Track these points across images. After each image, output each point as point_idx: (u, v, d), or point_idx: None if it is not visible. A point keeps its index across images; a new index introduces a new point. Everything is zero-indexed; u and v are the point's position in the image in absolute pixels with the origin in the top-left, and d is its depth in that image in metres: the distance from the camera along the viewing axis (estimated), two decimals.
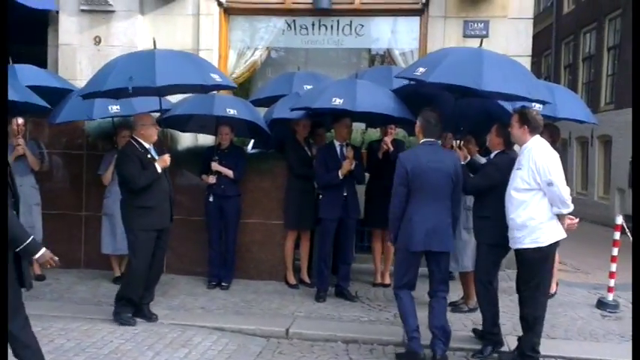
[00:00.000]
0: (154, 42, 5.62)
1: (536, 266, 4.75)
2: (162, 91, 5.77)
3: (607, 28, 15.69)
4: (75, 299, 6.42)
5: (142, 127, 5.59)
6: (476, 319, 5.96)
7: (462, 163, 5.27)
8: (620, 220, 6.62)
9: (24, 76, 6.66)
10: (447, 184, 4.87)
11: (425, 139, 5.01)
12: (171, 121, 6.81)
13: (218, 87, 6.02)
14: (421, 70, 5.04)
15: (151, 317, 5.68)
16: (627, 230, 6.70)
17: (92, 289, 6.78)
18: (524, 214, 4.68)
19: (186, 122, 7.14)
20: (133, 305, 5.64)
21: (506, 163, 4.93)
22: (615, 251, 6.59)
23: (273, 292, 6.82)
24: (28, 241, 3.60)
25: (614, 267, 6.64)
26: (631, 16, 13.95)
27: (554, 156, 4.78)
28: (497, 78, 4.91)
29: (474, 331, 5.52)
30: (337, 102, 5.80)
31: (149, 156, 5.57)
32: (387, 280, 7.15)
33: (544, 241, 4.69)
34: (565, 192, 4.65)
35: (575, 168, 16.94)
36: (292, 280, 7.06)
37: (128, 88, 5.23)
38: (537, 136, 4.81)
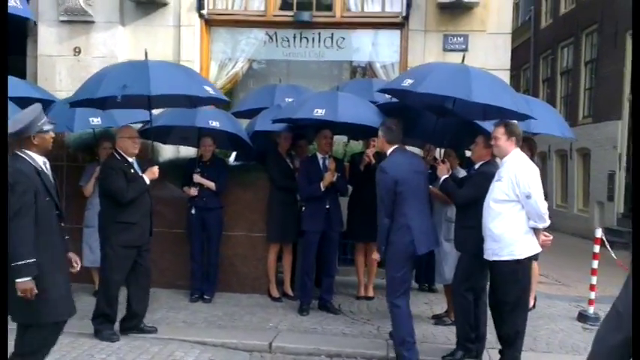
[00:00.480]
0: (146, 53, 5.60)
1: (511, 279, 4.75)
2: (153, 103, 5.73)
3: (584, 43, 15.95)
4: None
5: (120, 139, 5.54)
6: (441, 333, 5.98)
7: (446, 175, 5.29)
8: (599, 233, 6.67)
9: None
10: (426, 185, 5.21)
11: (394, 147, 5.12)
12: (153, 133, 6.73)
13: (211, 100, 6.00)
14: (409, 81, 5.05)
15: (151, 330, 5.65)
16: (607, 243, 6.77)
17: (84, 304, 6.65)
18: (501, 225, 4.70)
19: (167, 134, 7.09)
20: (111, 321, 5.55)
21: (493, 173, 4.98)
22: (595, 264, 6.64)
23: (256, 305, 6.76)
24: (20, 262, 3.55)
25: (594, 280, 6.68)
26: (606, 31, 14.22)
27: (534, 169, 4.82)
28: (485, 91, 4.94)
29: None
30: (319, 113, 5.80)
31: (132, 170, 5.51)
32: (371, 293, 7.15)
33: (519, 254, 4.71)
34: (542, 206, 4.68)
35: (555, 181, 17.13)
36: (275, 293, 7.02)
37: (117, 96, 5.17)
38: (517, 149, 4.85)
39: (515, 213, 4.69)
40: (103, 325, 5.51)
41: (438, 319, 6.28)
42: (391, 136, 5.13)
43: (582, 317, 6.66)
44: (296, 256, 7.16)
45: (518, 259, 4.71)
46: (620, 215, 13.38)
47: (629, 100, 13.25)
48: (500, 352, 5.02)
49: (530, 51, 19.53)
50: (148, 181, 5.51)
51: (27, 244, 3.57)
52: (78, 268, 4.08)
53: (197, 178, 6.69)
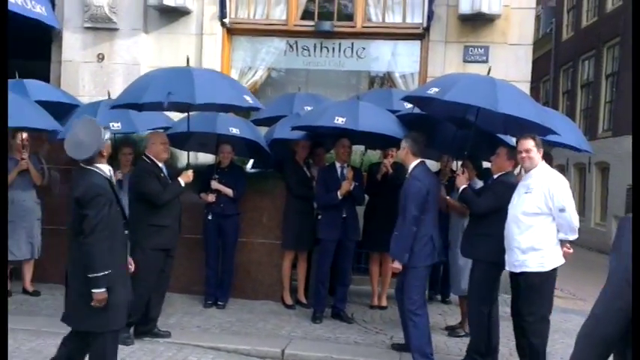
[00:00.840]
0: (187, 59, 5.77)
1: (538, 290, 4.78)
2: (194, 109, 5.85)
3: (605, 56, 15.87)
4: None
5: (152, 145, 5.62)
6: (457, 346, 5.96)
7: (465, 185, 5.32)
8: None
9: (33, 90, 6.73)
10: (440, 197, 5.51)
11: (419, 159, 5.23)
12: (171, 139, 6.81)
13: (249, 108, 6.16)
14: (435, 89, 5.07)
15: (165, 334, 5.68)
16: None
17: None
18: (532, 237, 4.72)
19: (185, 140, 7.14)
20: (129, 324, 5.60)
21: (513, 184, 5.01)
22: None
23: (270, 312, 6.80)
24: (98, 274, 3.70)
25: None
26: (628, 45, 14.12)
27: (566, 182, 4.88)
28: (511, 102, 4.98)
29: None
30: (340, 121, 5.83)
31: (162, 174, 5.59)
32: (384, 303, 7.16)
33: (547, 266, 4.74)
34: (575, 219, 4.74)
35: (573, 194, 16.97)
36: (289, 301, 7.05)
37: (164, 103, 5.29)
38: (544, 162, 4.88)
39: (546, 225, 4.73)
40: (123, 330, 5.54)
41: (451, 331, 6.27)
42: (417, 148, 5.22)
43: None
44: (310, 264, 7.19)
45: (544, 271, 4.73)
46: None
47: None
48: None
49: (550, 63, 19.47)
50: (183, 184, 5.61)
51: (104, 256, 3.71)
52: (132, 269, 4.14)
53: (215, 184, 6.74)
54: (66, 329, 5.68)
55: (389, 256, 6.96)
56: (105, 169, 3.90)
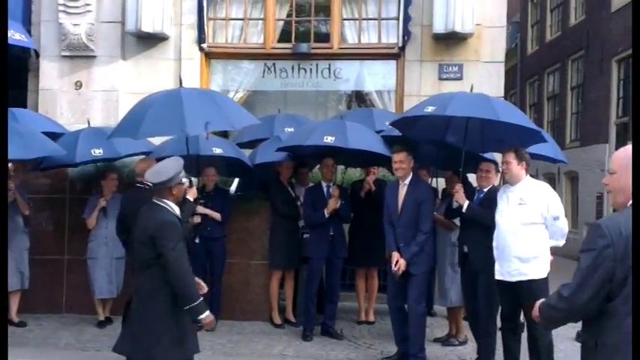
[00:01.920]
0: (180, 80, 6.15)
1: (541, 296, 4.93)
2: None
3: (570, 69, 16.32)
4: (60, 345, 6.35)
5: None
6: (462, 353, 6.11)
7: (468, 202, 5.44)
8: None
9: (26, 121, 6.71)
10: None
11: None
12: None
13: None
14: (430, 108, 5.29)
15: None
16: None
17: (76, 335, 6.71)
18: (531, 247, 4.93)
19: None
20: None
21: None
22: None
23: (260, 332, 6.85)
24: (197, 302, 3.81)
25: None
26: (592, 58, 14.60)
27: (555, 193, 5.12)
28: (508, 112, 5.29)
29: None
30: (329, 140, 5.97)
31: None
32: (372, 318, 7.26)
33: (545, 273, 4.97)
34: (566, 226, 5.02)
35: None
36: (278, 320, 7.10)
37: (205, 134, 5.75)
38: (528, 176, 5.10)
39: (541, 234, 4.97)
40: None
41: (445, 341, 6.42)
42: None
43: (580, 337, 6.77)
44: (298, 282, 7.27)
45: (543, 277, 4.96)
46: None
47: (616, 124, 13.57)
48: None
49: (517, 77, 19.93)
50: (192, 200, 5.67)
51: (193, 285, 3.86)
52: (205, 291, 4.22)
53: (201, 209, 6.79)
54: (54, 358, 5.68)
55: (374, 272, 7.15)
56: (175, 208, 4.04)
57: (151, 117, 5.52)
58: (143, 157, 6.30)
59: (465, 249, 5.54)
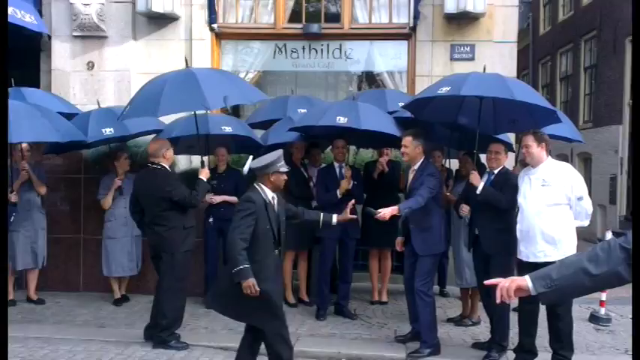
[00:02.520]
0: (186, 61, 6.23)
1: None
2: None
3: (583, 49, 16.15)
4: (78, 322, 6.46)
5: (166, 152, 5.74)
6: (474, 333, 6.14)
7: (483, 183, 5.43)
8: (609, 235, 6.84)
9: (37, 101, 6.73)
10: None
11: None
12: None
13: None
14: (445, 89, 5.26)
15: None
16: None
17: (94, 312, 6.82)
18: (556, 228, 4.95)
19: (175, 144, 7.06)
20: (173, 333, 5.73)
21: (516, 177, 5.24)
22: None
23: None
24: (241, 267, 4.13)
25: None
26: (605, 38, 14.44)
27: (579, 174, 5.12)
28: (523, 91, 5.24)
29: (476, 345, 5.70)
30: (342, 120, 5.96)
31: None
32: (385, 298, 7.31)
33: (571, 253, 4.92)
34: (590, 206, 5.02)
35: None
36: (291, 300, 7.16)
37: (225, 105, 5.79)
38: (550, 157, 5.11)
39: (566, 214, 4.99)
40: (171, 337, 5.64)
41: (458, 321, 6.46)
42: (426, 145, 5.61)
43: (594, 318, 6.82)
44: (311, 262, 7.31)
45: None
46: (623, 218, 13.53)
47: (630, 105, 13.45)
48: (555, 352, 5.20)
49: (529, 57, 19.74)
50: (205, 180, 5.80)
51: (239, 253, 4.14)
52: None
53: (216, 199, 6.84)
54: (75, 337, 5.79)
55: (388, 252, 7.18)
56: (269, 193, 4.38)
57: (169, 95, 5.52)
58: (155, 136, 6.31)
59: (476, 231, 5.54)
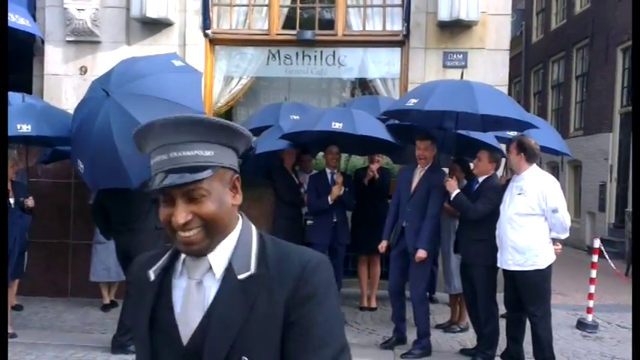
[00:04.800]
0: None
1: (538, 287, 5.00)
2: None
3: (575, 57, 16.27)
4: (65, 327, 6.45)
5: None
6: (462, 339, 6.17)
7: (457, 190, 5.47)
8: (598, 243, 6.90)
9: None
10: None
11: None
12: None
13: None
14: (413, 101, 5.26)
15: None
16: (605, 253, 7.00)
17: (81, 317, 6.81)
18: (527, 237, 4.93)
19: None
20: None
21: (499, 186, 5.24)
22: (594, 273, 6.86)
23: None
24: None
25: (592, 288, 6.89)
26: (597, 46, 14.55)
27: (557, 184, 5.10)
28: (490, 102, 5.18)
29: (463, 351, 5.72)
30: (337, 126, 5.99)
31: None
32: (374, 304, 7.33)
33: (543, 264, 4.96)
34: (567, 219, 4.97)
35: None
36: None
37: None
38: (535, 165, 5.08)
39: (539, 225, 4.95)
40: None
41: (447, 328, 6.50)
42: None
43: (581, 325, 6.86)
44: None
45: (541, 269, 4.95)
46: (612, 225, 13.63)
47: (621, 113, 13.55)
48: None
49: (521, 65, 19.87)
50: None
51: None
52: None
53: None
54: (62, 342, 5.75)
55: (377, 259, 7.21)
56: None
57: None
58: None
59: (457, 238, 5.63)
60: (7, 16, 4.13)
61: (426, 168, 5.73)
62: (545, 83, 18.51)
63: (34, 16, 9.01)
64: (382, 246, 5.97)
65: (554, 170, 17.05)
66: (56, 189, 7.75)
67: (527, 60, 19.75)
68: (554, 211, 4.91)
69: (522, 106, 18.91)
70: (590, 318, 6.87)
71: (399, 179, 6.03)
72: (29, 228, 6.86)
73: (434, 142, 5.71)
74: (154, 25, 8.73)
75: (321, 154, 7.78)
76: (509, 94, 20.70)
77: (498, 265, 5.16)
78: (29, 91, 8.96)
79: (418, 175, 5.78)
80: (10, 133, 5.31)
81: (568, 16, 16.81)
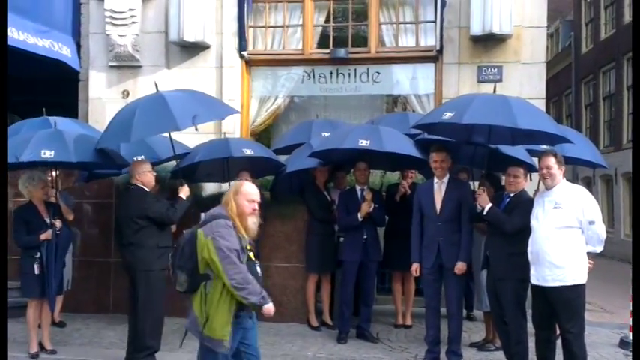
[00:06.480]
0: (156, 85, 6.18)
1: (575, 303, 4.88)
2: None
3: (625, 67, 15.82)
4: (103, 344, 6.60)
5: (142, 174, 5.73)
6: (498, 358, 6.03)
7: (490, 205, 5.40)
8: None
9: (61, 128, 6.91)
10: None
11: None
12: (185, 171, 6.72)
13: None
14: (449, 114, 5.18)
15: None
16: None
17: (120, 334, 6.91)
18: (565, 252, 4.85)
19: (193, 172, 7.08)
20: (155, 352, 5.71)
21: (532, 201, 5.20)
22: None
23: (296, 334, 6.94)
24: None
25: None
26: None
27: (592, 197, 5.00)
28: (527, 116, 5.12)
29: None
30: (364, 143, 6.01)
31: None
32: (409, 321, 7.25)
33: (580, 279, 4.85)
34: (603, 231, 4.88)
35: (601, 206, 16.82)
36: (315, 322, 7.18)
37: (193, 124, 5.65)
38: (564, 179, 5.05)
39: (576, 238, 4.88)
40: (149, 358, 5.66)
41: (481, 346, 6.37)
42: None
43: (623, 344, 6.61)
44: (334, 285, 7.33)
45: (578, 284, 4.86)
46: None
47: None
48: None
49: (571, 76, 19.44)
50: (185, 198, 5.80)
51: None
52: None
53: None
54: (94, 356, 5.89)
55: (411, 275, 7.13)
56: None
57: (140, 120, 5.60)
58: (139, 158, 6.26)
59: (487, 253, 5.53)
60: (7, 18, 4.27)
61: (446, 181, 5.70)
62: (596, 94, 18.05)
63: (78, 44, 9.45)
64: (415, 269, 5.93)
65: (608, 184, 16.62)
66: (98, 209, 8.01)
67: (577, 71, 19.32)
68: (591, 222, 4.83)
69: (573, 119, 18.64)
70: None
71: (418, 197, 5.96)
72: (72, 246, 7.16)
73: (449, 154, 5.70)
74: (192, 49, 9.01)
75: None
76: (560, 106, 20.50)
77: (535, 281, 5.03)
78: (75, 115, 9.36)
79: (439, 188, 5.75)
80: (34, 158, 5.62)
81: (617, 26, 16.39)
